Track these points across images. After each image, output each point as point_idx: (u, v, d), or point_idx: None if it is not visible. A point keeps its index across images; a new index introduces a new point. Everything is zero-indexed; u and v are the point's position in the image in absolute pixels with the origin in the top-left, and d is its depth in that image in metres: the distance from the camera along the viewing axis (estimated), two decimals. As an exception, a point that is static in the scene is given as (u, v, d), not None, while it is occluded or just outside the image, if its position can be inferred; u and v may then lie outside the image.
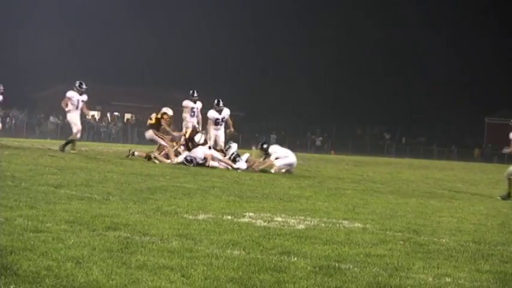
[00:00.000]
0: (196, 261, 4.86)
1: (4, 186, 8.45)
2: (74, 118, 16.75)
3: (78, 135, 16.88)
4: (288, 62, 67.69)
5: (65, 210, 6.78)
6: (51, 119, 44.53)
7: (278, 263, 4.98)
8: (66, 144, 16.68)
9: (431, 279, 4.80)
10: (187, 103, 17.20)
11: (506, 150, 13.42)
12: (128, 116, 53.89)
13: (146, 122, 16.91)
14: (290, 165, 15.33)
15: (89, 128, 45.04)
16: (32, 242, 5.09)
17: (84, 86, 16.81)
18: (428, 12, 66.30)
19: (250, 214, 7.51)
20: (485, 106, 60.63)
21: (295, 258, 5.18)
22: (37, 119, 45.73)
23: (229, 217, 7.16)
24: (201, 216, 7.08)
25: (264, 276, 4.55)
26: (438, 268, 5.21)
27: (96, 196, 8.16)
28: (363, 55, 67.39)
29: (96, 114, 51.15)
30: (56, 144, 19.99)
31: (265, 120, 57.74)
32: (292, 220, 7.27)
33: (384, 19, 65.64)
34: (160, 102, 16.75)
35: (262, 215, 7.54)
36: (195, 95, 17.18)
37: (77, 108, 16.75)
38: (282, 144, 17.33)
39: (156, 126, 15.90)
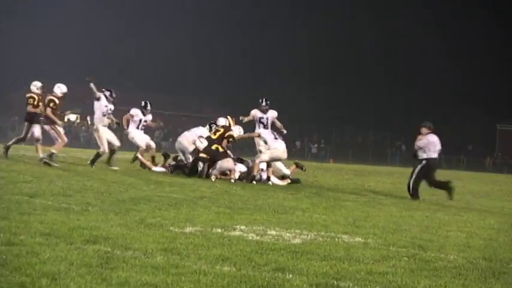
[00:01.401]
0: (183, 278, 4.85)
1: (-26, 195, 8.42)
2: (138, 135, 16.71)
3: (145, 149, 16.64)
4: (282, 63, 67.80)
5: (40, 222, 6.75)
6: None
7: (271, 281, 4.98)
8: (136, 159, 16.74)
9: (437, 299, 4.81)
10: (255, 112, 16.35)
11: None
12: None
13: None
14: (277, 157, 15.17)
15: (67, 133, 44.99)
16: (4, 256, 5.07)
17: (149, 108, 16.91)
18: (435, 16, 66.59)
19: (241, 227, 7.50)
20: (497, 112, 60.86)
21: (290, 275, 5.18)
22: (10, 122, 45.59)
23: (219, 230, 7.16)
24: (188, 229, 7.07)
25: (256, 295, 4.55)
26: (445, 287, 5.22)
27: (74, 206, 8.14)
28: (363, 56, 67.61)
29: (75, 117, 51.08)
30: (31, 149, 19.90)
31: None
32: (287, 234, 7.27)
33: (385, 22, 65.87)
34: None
35: (254, 228, 7.53)
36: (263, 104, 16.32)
37: (137, 127, 16.82)
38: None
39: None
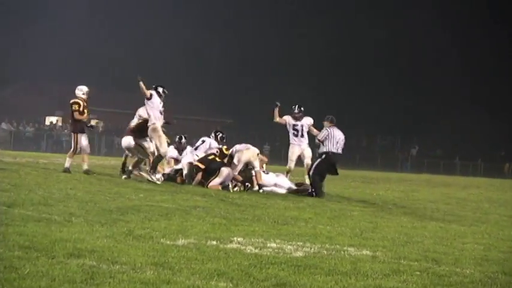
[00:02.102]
0: (175, 295, 4.85)
1: None
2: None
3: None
4: (283, 62, 67.82)
5: (19, 234, 6.75)
6: (3, 125, 44.41)
7: (272, 297, 4.98)
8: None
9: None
10: (288, 119, 16.54)
11: None
12: (93, 122, 53.90)
13: (124, 129, 16.78)
14: None
15: (48, 137, 45.04)
16: (-20, 272, 5.07)
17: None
18: (444, 15, 66.69)
19: (238, 239, 7.50)
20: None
21: (292, 292, 5.18)
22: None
23: (214, 242, 7.16)
24: (180, 242, 7.07)
25: (255, 313, 4.55)
26: (461, 304, 5.23)
27: (56, 217, 8.13)
28: (369, 55, 67.63)
29: (57, 120, 51.10)
30: (9, 155, 19.92)
31: (257, 128, 57.81)
32: (289, 246, 7.27)
33: (394, 21, 66.00)
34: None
35: (253, 240, 7.54)
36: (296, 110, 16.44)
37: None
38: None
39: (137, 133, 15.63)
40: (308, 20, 69.02)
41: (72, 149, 16.06)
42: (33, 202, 9.39)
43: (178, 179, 15.33)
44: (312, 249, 7.24)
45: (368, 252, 7.29)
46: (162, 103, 14.97)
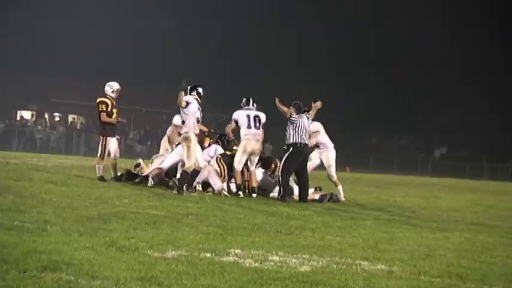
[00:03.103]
0: (164, 314, 4.85)
1: None
2: None
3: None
4: (284, 52, 67.82)
5: (-14, 244, 6.75)
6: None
7: (274, 318, 4.98)
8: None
9: None
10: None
11: None
12: (71, 117, 53.85)
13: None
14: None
15: (20, 134, 45.00)
16: None
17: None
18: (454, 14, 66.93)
19: (236, 251, 7.50)
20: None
21: (297, 311, 5.18)
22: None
23: (209, 255, 7.16)
24: (170, 254, 7.07)
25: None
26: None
27: (29, 225, 8.12)
28: (385, 45, 67.65)
29: (30, 115, 51.08)
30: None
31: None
32: (293, 260, 7.27)
33: (413, 16, 66.18)
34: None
35: (252, 252, 7.53)
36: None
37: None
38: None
39: None
40: (310, 14, 69.21)
41: (99, 153, 16.05)
42: (2, 208, 9.38)
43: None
44: (320, 263, 7.23)
45: (383, 266, 7.28)
46: (200, 108, 14.49)
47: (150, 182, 15.08)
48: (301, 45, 69.29)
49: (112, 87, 16.30)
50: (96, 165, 16.04)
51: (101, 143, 16.09)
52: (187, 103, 14.28)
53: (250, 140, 15.09)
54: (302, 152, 14.91)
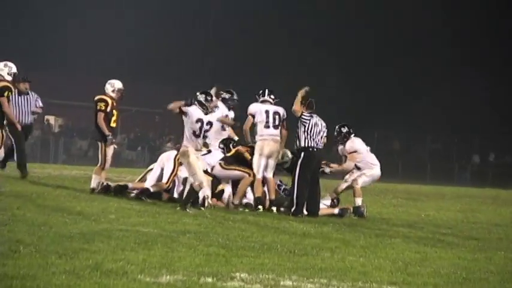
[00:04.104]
0: None
1: None
2: None
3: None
4: (293, 38, 68.10)
5: (-51, 268, 6.75)
6: None
7: None
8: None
9: None
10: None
11: None
12: (50, 118, 53.85)
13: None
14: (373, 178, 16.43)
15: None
16: None
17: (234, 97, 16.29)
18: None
19: (242, 275, 7.49)
20: None
21: None
22: None
23: (210, 280, 7.15)
24: (164, 279, 7.06)
25: None
26: None
27: (-2, 246, 8.13)
28: (416, 31, 67.72)
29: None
30: None
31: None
32: (309, 285, 7.26)
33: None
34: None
35: (261, 276, 7.52)
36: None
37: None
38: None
39: None
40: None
41: (99, 162, 16.02)
42: (-32, 226, 9.39)
43: (165, 196, 15.38)
44: (341, 288, 7.22)
45: (415, 292, 7.26)
46: (203, 119, 14.07)
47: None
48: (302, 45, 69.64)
49: (113, 85, 16.22)
50: (94, 175, 16.03)
51: (100, 150, 16.02)
52: (183, 112, 14.07)
53: (268, 140, 15.05)
54: (315, 157, 14.87)
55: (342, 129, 16.33)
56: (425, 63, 66.62)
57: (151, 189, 15.34)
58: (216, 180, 15.27)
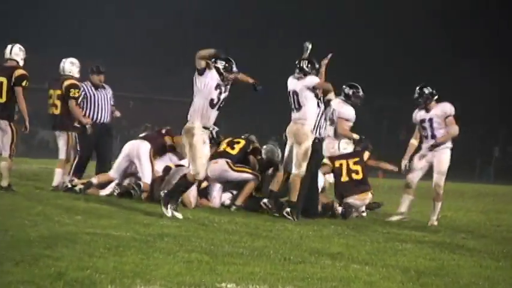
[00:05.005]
0: None
1: None
2: None
3: None
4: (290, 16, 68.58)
5: None
6: None
7: None
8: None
9: None
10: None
11: None
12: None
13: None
14: None
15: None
16: None
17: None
18: None
19: (229, 286, 7.50)
20: None
21: None
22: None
23: (191, 291, 7.14)
24: (139, 290, 7.05)
25: None
26: None
27: None
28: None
29: None
30: None
31: (254, 114, 57.99)
32: (307, 297, 7.25)
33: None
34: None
35: (251, 287, 7.53)
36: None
37: None
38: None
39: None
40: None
41: (63, 155, 16.27)
42: None
43: (144, 195, 15.45)
44: (343, 301, 7.23)
45: (429, 306, 7.27)
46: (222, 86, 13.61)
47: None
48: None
49: (78, 65, 16.55)
50: (56, 170, 16.23)
51: (67, 141, 16.27)
52: (206, 69, 13.38)
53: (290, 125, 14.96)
54: (316, 149, 14.86)
55: (425, 89, 16.02)
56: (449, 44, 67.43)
57: (94, 181, 15.60)
58: None
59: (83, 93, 16.64)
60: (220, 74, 13.40)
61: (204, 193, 15.60)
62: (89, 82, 16.98)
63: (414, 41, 68.49)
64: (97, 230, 10.54)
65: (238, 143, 16.21)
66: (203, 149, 13.22)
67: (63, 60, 16.55)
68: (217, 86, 13.36)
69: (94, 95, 17.06)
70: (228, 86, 13.57)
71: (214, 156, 15.51)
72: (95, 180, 15.95)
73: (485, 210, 20.31)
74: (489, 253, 11.39)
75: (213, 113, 13.38)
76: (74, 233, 10.06)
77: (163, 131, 16.46)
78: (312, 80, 14.58)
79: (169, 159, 16.06)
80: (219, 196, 15.77)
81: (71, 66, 16.46)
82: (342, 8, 69.88)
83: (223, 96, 13.41)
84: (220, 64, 13.47)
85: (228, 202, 15.73)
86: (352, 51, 63.82)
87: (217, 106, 13.37)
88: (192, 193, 14.88)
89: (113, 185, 15.98)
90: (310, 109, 14.57)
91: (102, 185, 15.99)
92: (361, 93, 16.39)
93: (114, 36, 65.74)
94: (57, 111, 16.25)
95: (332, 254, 10.06)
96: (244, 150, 16.09)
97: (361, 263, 9.51)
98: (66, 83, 16.12)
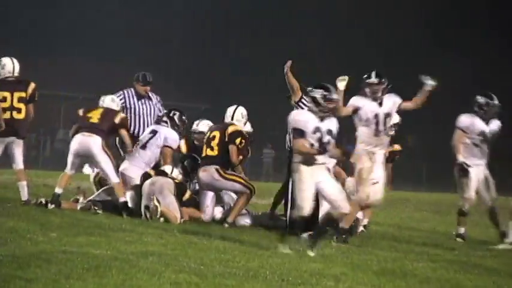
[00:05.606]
0: None
1: None
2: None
3: None
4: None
5: None
6: None
7: None
8: None
9: None
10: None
11: None
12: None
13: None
14: None
15: None
16: None
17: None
18: None
19: (221, 311, 7.46)
20: None
21: None
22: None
23: (179, 317, 7.12)
24: (120, 315, 7.02)
25: None
26: None
27: None
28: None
29: None
30: None
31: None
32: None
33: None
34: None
35: (245, 312, 7.50)
36: None
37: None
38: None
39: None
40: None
41: (21, 165, 16.04)
42: None
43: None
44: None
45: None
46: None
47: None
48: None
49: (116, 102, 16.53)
50: (20, 183, 16.02)
51: (22, 148, 16.11)
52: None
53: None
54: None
55: (479, 98, 15.91)
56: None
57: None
58: (182, 185, 15.50)
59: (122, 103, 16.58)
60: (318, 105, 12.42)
61: (192, 203, 15.65)
62: (133, 90, 16.92)
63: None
64: (74, 248, 10.53)
65: (213, 138, 15.98)
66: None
67: (102, 98, 16.49)
68: (316, 130, 12.39)
69: (137, 107, 17.10)
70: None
71: (201, 164, 15.83)
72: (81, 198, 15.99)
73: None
74: (509, 273, 11.41)
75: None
76: (48, 251, 10.04)
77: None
78: None
79: (146, 166, 16.03)
80: (212, 206, 15.81)
81: (111, 102, 16.35)
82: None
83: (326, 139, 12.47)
84: (317, 93, 12.41)
85: (219, 216, 15.77)
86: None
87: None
88: (172, 206, 14.93)
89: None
90: None
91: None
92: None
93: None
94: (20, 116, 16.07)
95: (335, 275, 10.05)
96: (222, 144, 15.83)
97: (368, 284, 9.54)
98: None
